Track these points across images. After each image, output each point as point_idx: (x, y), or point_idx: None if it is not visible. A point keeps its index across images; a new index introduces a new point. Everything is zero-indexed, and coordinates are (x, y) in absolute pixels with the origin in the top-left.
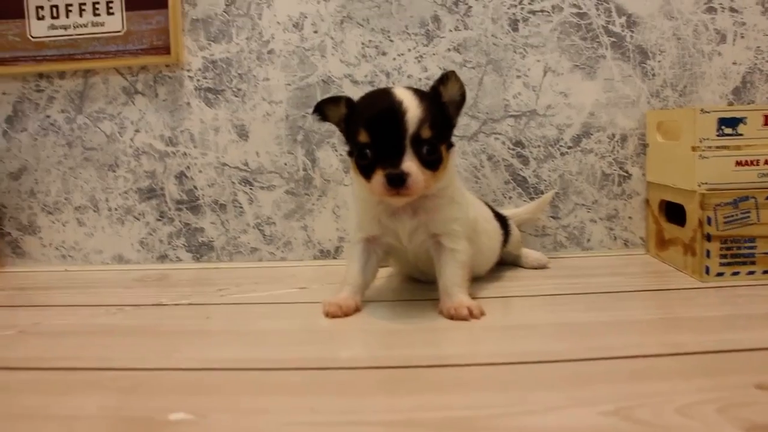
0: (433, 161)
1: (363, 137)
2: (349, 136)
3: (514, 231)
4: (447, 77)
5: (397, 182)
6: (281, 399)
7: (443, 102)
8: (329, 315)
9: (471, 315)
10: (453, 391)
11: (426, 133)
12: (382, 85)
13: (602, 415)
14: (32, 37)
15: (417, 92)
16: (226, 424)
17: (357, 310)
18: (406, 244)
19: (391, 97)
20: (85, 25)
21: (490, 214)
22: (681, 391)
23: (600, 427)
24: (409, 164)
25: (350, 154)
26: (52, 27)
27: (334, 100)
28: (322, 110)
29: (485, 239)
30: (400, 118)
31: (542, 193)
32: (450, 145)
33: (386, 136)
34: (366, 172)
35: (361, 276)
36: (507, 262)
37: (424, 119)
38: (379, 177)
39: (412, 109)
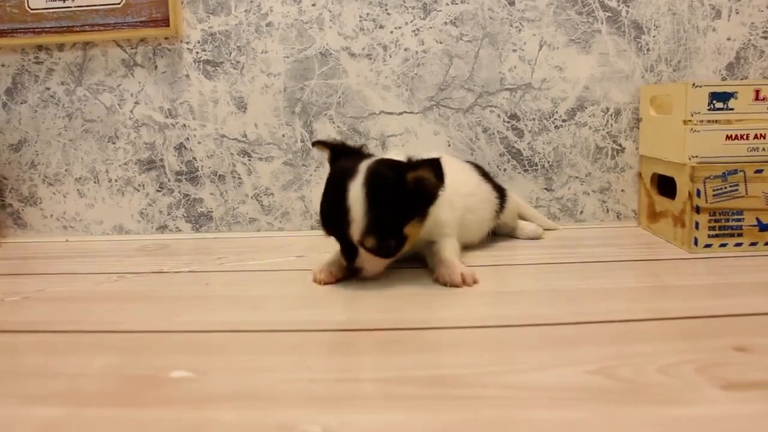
0: (385, 254)
1: (325, 232)
2: None
3: (511, 204)
4: (420, 171)
5: (355, 272)
6: (278, 358)
7: (408, 189)
8: (320, 282)
9: (464, 282)
10: (444, 351)
11: (370, 242)
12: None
13: (586, 374)
14: (30, 8)
15: (372, 190)
16: (225, 381)
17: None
18: None
19: (343, 201)
20: None
21: (475, 184)
22: (663, 353)
23: (584, 384)
24: (362, 259)
25: None
26: None
27: (323, 144)
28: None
29: (469, 216)
30: (347, 227)
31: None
32: (425, 211)
33: (339, 238)
34: None
35: None
36: (503, 234)
37: (369, 229)
38: (342, 260)
39: (357, 220)
